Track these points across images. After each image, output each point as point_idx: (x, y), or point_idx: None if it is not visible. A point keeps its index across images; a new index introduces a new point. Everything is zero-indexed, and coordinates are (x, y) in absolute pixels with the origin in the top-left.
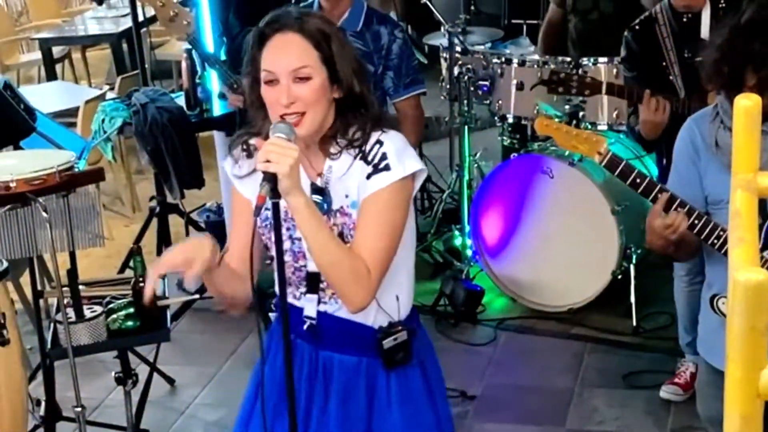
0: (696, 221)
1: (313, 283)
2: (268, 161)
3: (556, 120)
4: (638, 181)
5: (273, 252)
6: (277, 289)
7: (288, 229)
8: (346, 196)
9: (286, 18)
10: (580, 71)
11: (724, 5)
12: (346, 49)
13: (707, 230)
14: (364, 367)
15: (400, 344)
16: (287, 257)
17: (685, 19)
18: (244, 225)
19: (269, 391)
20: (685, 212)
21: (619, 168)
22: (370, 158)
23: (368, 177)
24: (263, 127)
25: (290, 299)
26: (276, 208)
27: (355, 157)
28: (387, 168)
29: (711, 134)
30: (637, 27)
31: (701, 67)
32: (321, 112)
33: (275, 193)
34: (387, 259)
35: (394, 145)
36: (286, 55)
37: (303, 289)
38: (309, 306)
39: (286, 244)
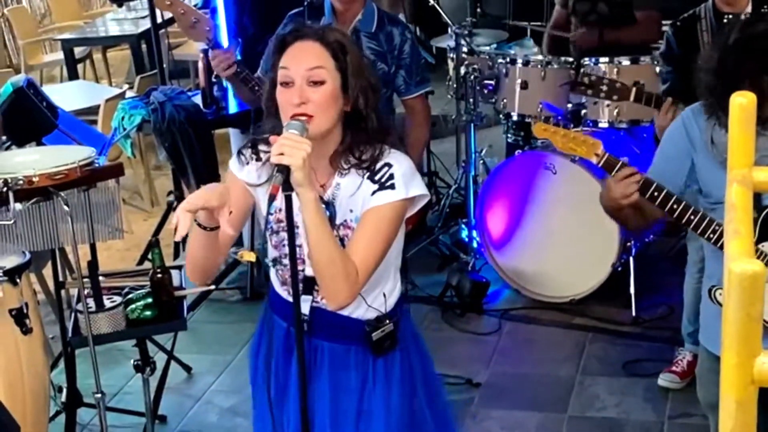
0: (675, 206)
1: (308, 285)
2: (281, 154)
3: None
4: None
5: (275, 254)
6: (271, 283)
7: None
8: (351, 211)
9: (309, 28)
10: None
11: (767, 9)
12: (362, 64)
13: (680, 210)
14: (353, 354)
15: (387, 334)
16: (287, 261)
17: (725, 20)
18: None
19: (266, 377)
20: (663, 194)
21: (617, 168)
22: (377, 178)
23: (373, 193)
24: (273, 132)
25: (286, 295)
26: (289, 200)
27: (363, 177)
28: (392, 187)
29: (707, 131)
30: (678, 23)
31: (696, 88)
32: (330, 119)
33: (288, 186)
34: (374, 267)
35: (401, 169)
36: (304, 56)
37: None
38: (304, 305)
39: (288, 249)
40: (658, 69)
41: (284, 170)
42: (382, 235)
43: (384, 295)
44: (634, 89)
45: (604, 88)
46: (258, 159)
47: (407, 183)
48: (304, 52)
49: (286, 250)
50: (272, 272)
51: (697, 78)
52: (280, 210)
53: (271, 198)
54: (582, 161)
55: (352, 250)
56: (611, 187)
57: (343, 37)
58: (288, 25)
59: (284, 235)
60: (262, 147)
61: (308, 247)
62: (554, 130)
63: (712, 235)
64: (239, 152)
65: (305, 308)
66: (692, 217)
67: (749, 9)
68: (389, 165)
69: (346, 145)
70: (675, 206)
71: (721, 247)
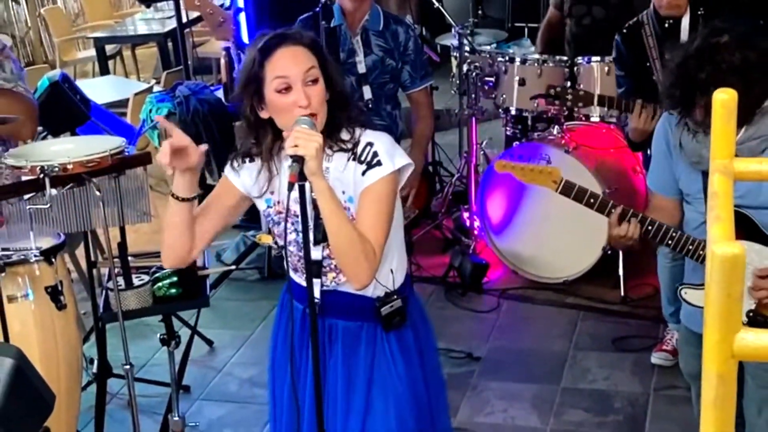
0: (650, 227)
1: (316, 269)
2: (296, 146)
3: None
4: (592, 201)
5: (282, 242)
6: (285, 270)
7: (293, 223)
8: (343, 192)
9: (284, 34)
10: (571, 71)
11: (702, 12)
12: (329, 55)
13: (660, 234)
14: (364, 330)
15: (396, 310)
16: (293, 248)
17: (667, 25)
18: (215, 207)
19: (285, 356)
20: (638, 221)
21: (574, 191)
22: (363, 158)
23: (363, 173)
24: (263, 144)
25: (298, 279)
26: (302, 190)
27: (348, 159)
28: (379, 164)
29: (677, 135)
30: (625, 31)
31: (660, 86)
32: (325, 111)
33: (302, 176)
34: (384, 241)
35: (383, 145)
36: (297, 60)
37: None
38: (314, 289)
39: (292, 236)
40: (606, 68)
41: (299, 160)
42: (384, 209)
43: (391, 271)
44: (596, 96)
45: (569, 97)
46: (252, 160)
47: (392, 156)
48: (295, 56)
49: (289, 237)
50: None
51: (662, 77)
52: (278, 202)
53: (290, 185)
54: (575, 152)
55: (362, 230)
56: (611, 234)
57: (312, 36)
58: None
59: (284, 225)
60: (253, 150)
61: (328, 234)
62: (513, 165)
63: (670, 242)
64: (231, 165)
65: (316, 291)
66: (650, 227)
67: (687, 14)
68: (371, 144)
69: (328, 130)
70: (650, 227)
71: (681, 251)
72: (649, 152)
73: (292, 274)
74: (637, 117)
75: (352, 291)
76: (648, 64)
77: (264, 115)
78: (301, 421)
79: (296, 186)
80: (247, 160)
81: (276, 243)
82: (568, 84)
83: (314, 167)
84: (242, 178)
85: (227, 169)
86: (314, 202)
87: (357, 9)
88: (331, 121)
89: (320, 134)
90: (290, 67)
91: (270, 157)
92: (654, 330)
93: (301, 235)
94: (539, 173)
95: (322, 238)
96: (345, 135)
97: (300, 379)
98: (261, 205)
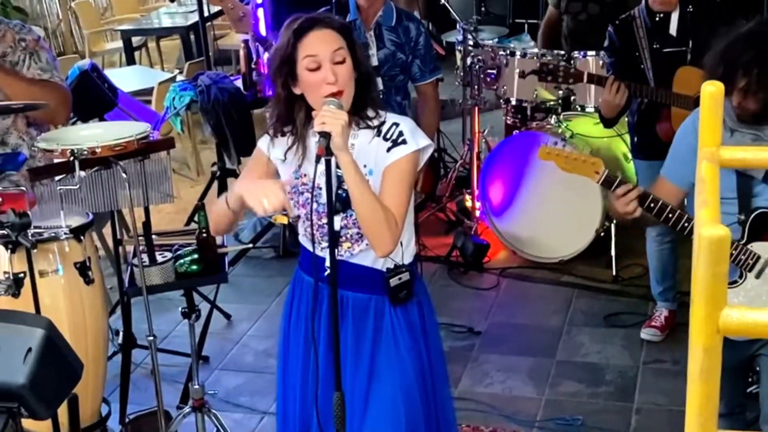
0: (652, 204)
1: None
2: (323, 123)
3: (556, 146)
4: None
5: (300, 212)
6: (299, 242)
7: (316, 195)
8: (365, 166)
9: (316, 18)
10: (567, 63)
11: (691, 9)
12: (357, 39)
13: (665, 213)
14: (373, 303)
15: (404, 283)
16: (313, 217)
17: (657, 18)
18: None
19: (297, 327)
20: (651, 199)
21: (615, 184)
22: (388, 136)
23: (388, 150)
24: (297, 117)
25: (310, 246)
26: (328, 164)
27: (373, 136)
28: (404, 142)
29: None
30: (618, 23)
31: (703, 65)
32: (352, 89)
33: (328, 151)
34: (405, 213)
35: (408, 126)
36: (326, 41)
37: (324, 244)
38: (328, 257)
39: (311, 206)
40: (601, 62)
41: (326, 136)
42: (406, 184)
43: (401, 244)
44: (586, 73)
45: (561, 74)
46: (283, 135)
47: (415, 136)
48: (324, 38)
49: (313, 206)
50: (300, 229)
51: (705, 58)
52: (305, 175)
53: (318, 158)
54: (571, 140)
55: (385, 202)
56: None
57: (341, 20)
58: None
59: (308, 195)
60: (285, 128)
61: (353, 204)
62: (557, 153)
63: (670, 215)
64: (268, 134)
65: (329, 260)
66: (686, 224)
67: (677, 10)
68: (396, 124)
69: (356, 107)
70: (670, 215)
71: (682, 231)
72: (635, 139)
73: (305, 243)
74: (608, 89)
75: (363, 263)
76: (637, 53)
77: (297, 91)
78: (315, 391)
79: (323, 159)
80: (279, 134)
81: (297, 216)
82: (561, 61)
83: (340, 143)
84: (275, 148)
85: (262, 144)
86: (336, 175)
87: (370, 6)
88: (357, 100)
89: (346, 113)
90: (320, 47)
91: (301, 129)
92: (643, 307)
93: (321, 205)
94: (582, 163)
95: (342, 208)
96: (370, 113)
97: (311, 349)
98: (288, 175)
